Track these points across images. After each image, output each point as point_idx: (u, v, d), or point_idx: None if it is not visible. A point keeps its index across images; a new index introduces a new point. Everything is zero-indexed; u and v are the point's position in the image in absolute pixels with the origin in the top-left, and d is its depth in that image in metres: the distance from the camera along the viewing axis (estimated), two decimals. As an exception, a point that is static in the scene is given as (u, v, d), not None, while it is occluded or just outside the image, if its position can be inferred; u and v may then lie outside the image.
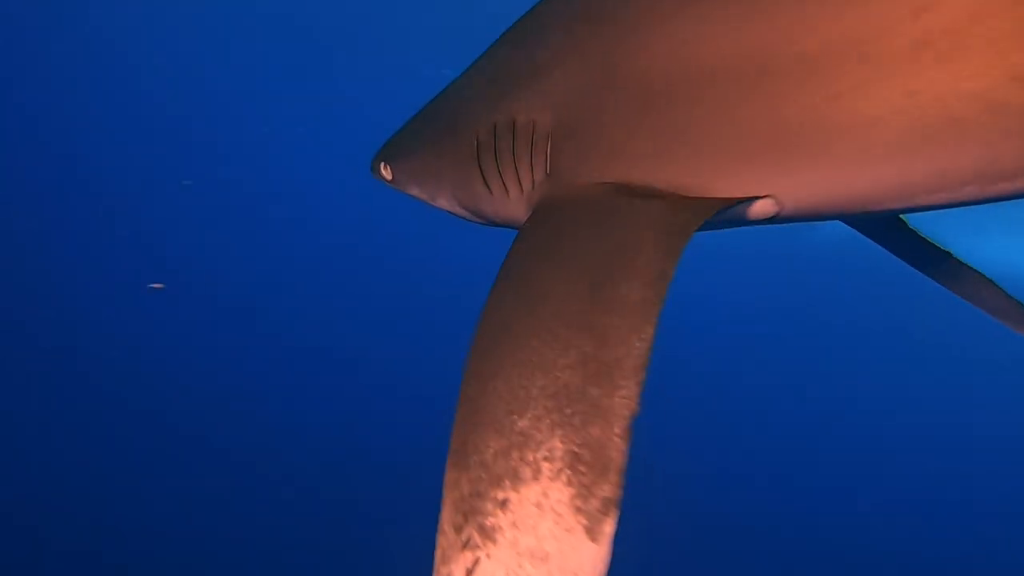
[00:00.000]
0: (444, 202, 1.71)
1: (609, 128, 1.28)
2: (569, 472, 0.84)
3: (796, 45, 1.09)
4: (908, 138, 1.06)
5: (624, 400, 0.89)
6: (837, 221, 1.44)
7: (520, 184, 1.45)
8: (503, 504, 0.84)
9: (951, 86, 1.00)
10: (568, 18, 1.40)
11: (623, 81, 1.26)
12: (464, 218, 1.71)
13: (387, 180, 1.81)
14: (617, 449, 0.85)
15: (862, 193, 1.14)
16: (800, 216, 1.23)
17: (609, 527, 0.82)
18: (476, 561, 0.82)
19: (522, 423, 0.89)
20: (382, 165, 1.81)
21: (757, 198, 1.19)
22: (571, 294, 1.02)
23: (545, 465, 0.85)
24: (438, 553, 0.85)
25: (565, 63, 1.35)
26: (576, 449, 0.85)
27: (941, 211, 1.18)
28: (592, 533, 0.81)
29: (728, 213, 1.21)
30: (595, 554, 0.80)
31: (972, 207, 1.18)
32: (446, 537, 0.86)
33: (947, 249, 1.96)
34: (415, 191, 1.76)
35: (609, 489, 0.83)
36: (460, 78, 1.69)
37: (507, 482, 0.85)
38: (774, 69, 1.12)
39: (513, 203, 1.48)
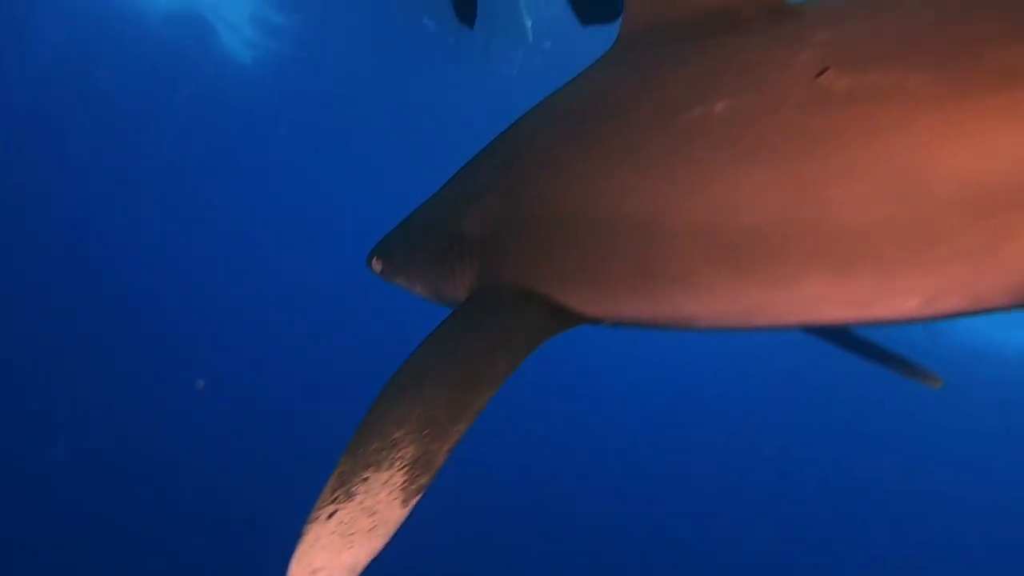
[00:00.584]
0: (420, 289, 2.20)
1: (516, 246, 1.71)
2: (409, 467, 1.31)
3: (620, 207, 1.46)
4: (695, 288, 1.41)
5: (459, 431, 1.35)
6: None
7: (467, 279, 1.89)
8: (365, 480, 1.30)
9: (736, 255, 1.31)
10: (507, 155, 1.85)
11: (528, 213, 1.69)
12: (434, 302, 2.19)
13: (378, 272, 2.33)
14: (441, 459, 1.32)
15: (676, 321, 1.52)
16: (642, 326, 1.61)
17: (415, 501, 1.29)
18: (336, 511, 1.28)
19: (397, 434, 1.35)
20: (374, 260, 2.34)
21: (601, 318, 1.60)
22: (460, 360, 1.47)
23: (398, 461, 1.32)
24: (316, 504, 1.30)
25: (496, 191, 1.81)
26: (419, 455, 1.32)
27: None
28: (404, 503, 1.28)
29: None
30: (401, 514, 1.27)
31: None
32: (324, 495, 1.31)
33: None
34: (399, 280, 2.28)
35: (425, 480, 1.30)
36: (436, 194, 2.22)
37: (373, 468, 1.32)
38: (605, 223, 1.50)
39: (463, 293, 1.91)
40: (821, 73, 1.22)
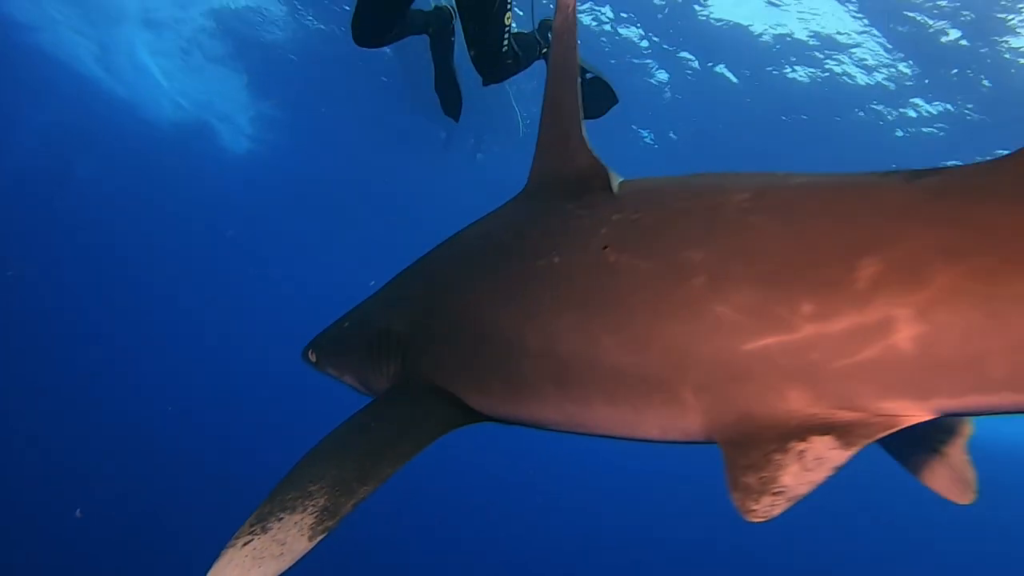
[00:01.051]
0: (350, 380, 2.43)
1: (429, 349, 2.01)
2: (319, 512, 1.54)
3: (493, 327, 1.80)
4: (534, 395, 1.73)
5: (365, 492, 1.58)
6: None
7: (388, 374, 2.17)
8: (279, 519, 1.54)
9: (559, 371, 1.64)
10: (429, 271, 2.22)
11: (438, 323, 2.02)
12: (362, 392, 2.39)
13: (312, 362, 2.59)
14: (347, 510, 1.54)
15: (536, 423, 1.81)
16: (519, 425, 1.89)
17: (320, 538, 1.50)
18: (251, 540, 1.50)
19: (312, 488, 1.59)
20: (310, 352, 2.59)
21: (491, 417, 1.90)
22: (374, 438, 1.73)
23: (311, 507, 1.55)
24: (235, 534, 1.51)
25: (417, 302, 2.14)
26: (329, 505, 1.55)
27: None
28: (311, 539, 1.49)
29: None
30: (306, 546, 1.49)
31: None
32: (242, 528, 1.53)
33: None
34: (330, 371, 2.53)
35: (331, 524, 1.52)
36: (367, 299, 2.50)
37: (288, 511, 1.55)
38: (484, 339, 1.82)
39: (385, 386, 2.18)
40: (605, 247, 1.61)
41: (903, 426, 1.24)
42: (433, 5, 4.81)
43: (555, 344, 1.63)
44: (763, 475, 1.26)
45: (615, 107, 4.96)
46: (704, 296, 1.41)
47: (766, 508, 1.22)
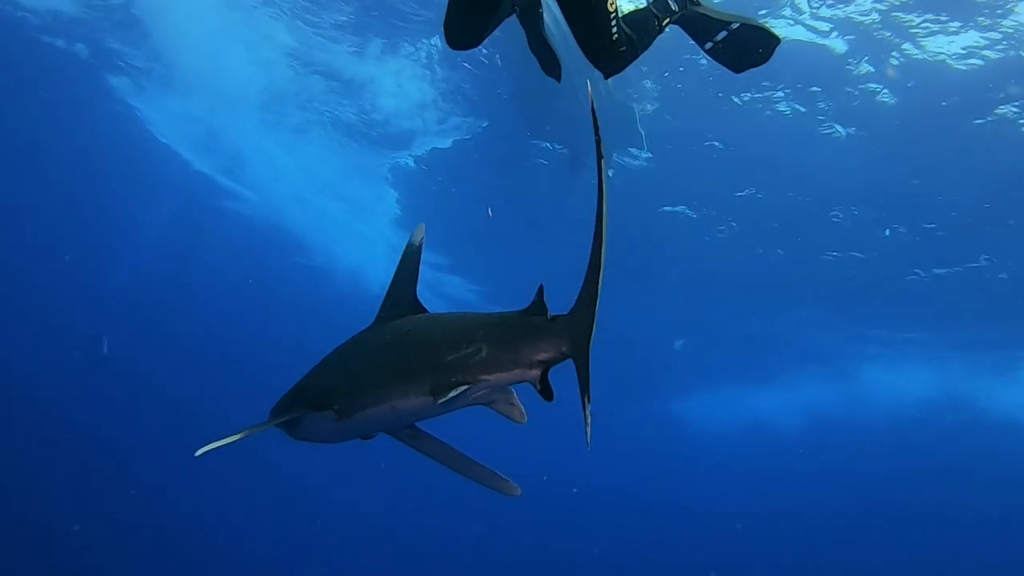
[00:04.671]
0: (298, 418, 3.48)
1: (332, 384, 3.33)
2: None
3: (371, 375, 3.24)
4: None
5: (256, 431, 3.09)
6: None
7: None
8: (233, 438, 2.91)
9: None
10: (344, 350, 3.50)
11: (336, 371, 3.40)
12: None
13: (284, 421, 3.48)
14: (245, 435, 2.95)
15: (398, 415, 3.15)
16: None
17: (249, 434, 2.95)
18: (220, 444, 2.90)
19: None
20: (280, 413, 3.52)
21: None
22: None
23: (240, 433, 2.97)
24: (222, 440, 2.87)
25: (328, 367, 3.46)
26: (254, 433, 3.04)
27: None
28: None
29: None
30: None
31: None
32: (224, 440, 2.84)
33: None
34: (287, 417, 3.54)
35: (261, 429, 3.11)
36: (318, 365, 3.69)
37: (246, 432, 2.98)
38: (364, 377, 3.25)
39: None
40: (407, 332, 3.21)
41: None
42: (518, -18, 4.56)
43: (401, 366, 3.10)
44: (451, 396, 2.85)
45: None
46: (443, 348, 2.95)
47: None
